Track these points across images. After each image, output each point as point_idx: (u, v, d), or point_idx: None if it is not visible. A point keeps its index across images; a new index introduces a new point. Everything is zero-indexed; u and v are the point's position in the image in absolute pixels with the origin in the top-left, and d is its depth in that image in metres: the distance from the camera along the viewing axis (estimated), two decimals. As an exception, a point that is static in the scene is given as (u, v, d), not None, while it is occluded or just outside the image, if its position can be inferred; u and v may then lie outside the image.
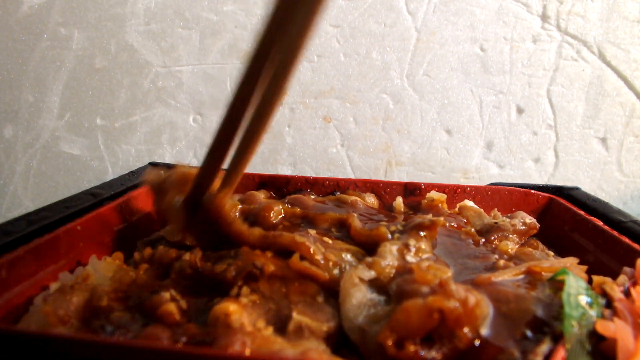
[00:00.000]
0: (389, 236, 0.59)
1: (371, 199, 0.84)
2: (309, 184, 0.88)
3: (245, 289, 0.50)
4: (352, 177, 1.20)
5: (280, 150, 1.20)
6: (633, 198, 1.19)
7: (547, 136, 1.17)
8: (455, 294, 0.42)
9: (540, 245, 0.69)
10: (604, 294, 0.48)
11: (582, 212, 0.76)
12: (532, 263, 0.55)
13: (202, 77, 1.18)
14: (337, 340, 0.46)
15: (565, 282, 0.48)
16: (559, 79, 1.15)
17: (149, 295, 0.50)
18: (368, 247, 0.58)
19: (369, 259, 0.52)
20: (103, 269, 0.58)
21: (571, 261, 0.57)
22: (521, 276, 0.53)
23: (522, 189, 0.86)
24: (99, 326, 0.46)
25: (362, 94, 1.17)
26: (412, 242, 0.56)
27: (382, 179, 1.18)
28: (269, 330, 0.45)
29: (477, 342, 0.42)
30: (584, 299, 0.46)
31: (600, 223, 0.71)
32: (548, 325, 0.44)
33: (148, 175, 0.65)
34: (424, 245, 0.57)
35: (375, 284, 0.49)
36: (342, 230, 0.63)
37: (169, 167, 0.91)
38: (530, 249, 0.65)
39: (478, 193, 0.87)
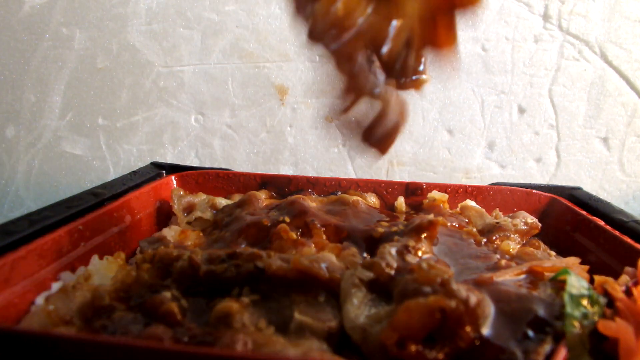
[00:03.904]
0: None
1: (373, 199, 0.84)
2: (311, 183, 0.88)
3: (246, 289, 0.50)
4: (354, 176, 1.20)
5: (282, 150, 1.21)
6: (635, 198, 1.19)
7: (549, 136, 1.17)
8: (457, 293, 0.42)
9: (542, 245, 0.69)
10: (606, 294, 0.48)
11: (583, 212, 0.76)
12: (533, 263, 0.55)
13: (203, 77, 1.18)
14: (339, 340, 0.46)
15: (566, 282, 0.48)
16: (561, 78, 1.15)
17: (150, 294, 0.50)
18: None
19: (368, 260, 0.52)
20: (105, 269, 0.58)
21: (573, 261, 0.57)
22: (523, 276, 0.53)
23: (523, 189, 0.86)
24: (101, 326, 0.46)
25: (364, 93, 1.17)
26: (412, 242, 0.56)
27: (384, 178, 1.18)
28: (271, 330, 0.45)
29: (478, 342, 0.42)
30: (585, 299, 0.46)
31: (602, 223, 0.71)
32: (550, 325, 0.44)
33: None
34: (424, 245, 0.57)
35: (376, 284, 0.49)
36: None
37: (172, 167, 0.91)
38: (531, 249, 0.65)
39: (480, 193, 0.87)
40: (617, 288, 0.49)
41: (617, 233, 0.66)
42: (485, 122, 1.17)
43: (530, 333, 0.43)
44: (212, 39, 1.17)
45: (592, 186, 1.18)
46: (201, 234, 0.71)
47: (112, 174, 1.22)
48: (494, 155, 1.19)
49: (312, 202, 0.76)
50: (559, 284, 0.49)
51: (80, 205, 0.66)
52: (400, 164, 1.20)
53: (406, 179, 1.20)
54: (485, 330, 0.43)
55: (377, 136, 0.52)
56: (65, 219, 0.61)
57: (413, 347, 0.40)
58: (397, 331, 0.41)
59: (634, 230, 0.67)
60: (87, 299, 0.49)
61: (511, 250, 0.64)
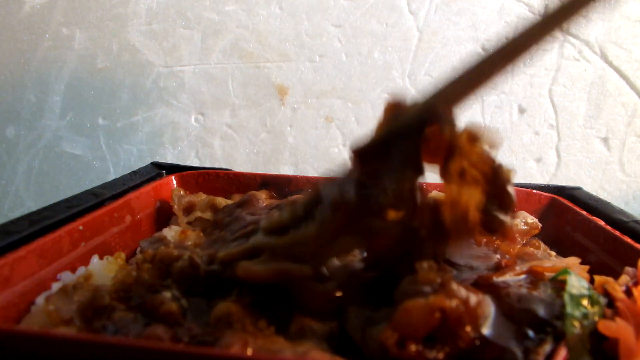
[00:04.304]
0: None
1: (373, 199, 0.84)
2: (311, 183, 0.88)
3: (246, 289, 0.50)
4: (354, 177, 1.20)
5: (282, 150, 1.21)
6: (635, 198, 1.19)
7: (549, 136, 1.17)
8: (457, 293, 0.42)
9: (542, 245, 0.69)
10: (606, 294, 0.48)
11: (584, 212, 0.76)
12: (534, 263, 0.55)
13: (203, 77, 1.18)
14: (339, 340, 0.46)
15: (567, 282, 0.47)
16: (561, 78, 1.15)
17: (150, 295, 0.50)
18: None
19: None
20: (105, 269, 0.58)
21: (573, 261, 0.57)
22: (523, 276, 0.53)
23: (524, 189, 0.86)
24: (101, 326, 0.46)
25: (364, 93, 1.17)
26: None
27: (384, 178, 1.18)
28: (271, 330, 0.45)
29: (478, 342, 0.42)
30: (585, 299, 0.46)
31: (602, 223, 0.71)
32: (550, 325, 0.44)
33: None
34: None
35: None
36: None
37: (172, 167, 0.91)
38: (532, 249, 0.65)
39: (480, 193, 0.87)
40: (617, 288, 0.49)
41: (617, 233, 0.66)
42: (485, 122, 1.17)
43: (531, 333, 0.43)
44: (213, 39, 1.17)
45: (592, 186, 1.18)
46: (201, 234, 0.71)
47: (113, 174, 1.22)
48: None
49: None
50: (559, 284, 0.49)
51: (81, 205, 0.66)
52: (401, 164, 1.20)
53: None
54: (486, 330, 0.43)
55: None
56: (66, 219, 0.61)
57: (413, 347, 0.40)
58: (397, 331, 0.41)
59: (634, 230, 0.67)
60: (87, 299, 0.49)
61: (511, 250, 0.64)
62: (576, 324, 0.44)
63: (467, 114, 1.16)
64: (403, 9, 1.14)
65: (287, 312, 0.47)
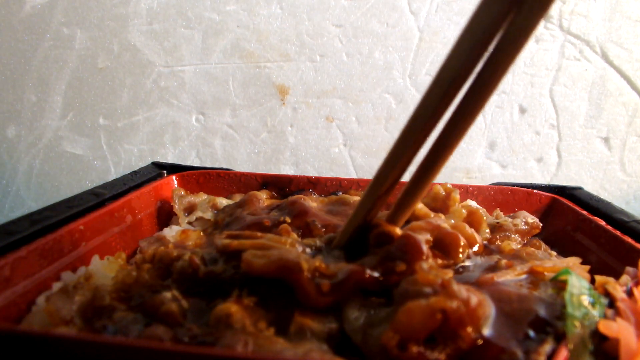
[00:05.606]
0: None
1: (373, 199, 0.84)
2: (312, 183, 0.88)
3: (246, 290, 0.50)
4: (355, 176, 1.20)
5: (283, 150, 1.21)
6: (636, 198, 1.19)
7: (550, 136, 1.17)
8: (458, 294, 0.42)
9: (543, 245, 0.69)
10: (607, 294, 0.48)
11: (584, 212, 0.76)
12: (534, 263, 0.54)
13: (204, 77, 1.18)
14: (339, 341, 0.46)
15: (567, 282, 0.47)
16: (562, 78, 1.15)
17: (151, 295, 0.50)
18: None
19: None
20: (105, 269, 0.58)
21: (574, 261, 0.57)
22: (524, 276, 0.53)
23: (524, 189, 0.86)
24: (102, 326, 0.46)
25: (365, 93, 1.17)
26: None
27: (385, 178, 1.18)
28: (271, 331, 0.45)
29: (479, 342, 0.42)
30: (586, 299, 0.46)
31: (602, 223, 0.71)
32: (551, 325, 0.44)
33: None
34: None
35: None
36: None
37: (173, 167, 0.91)
38: (532, 249, 0.65)
39: (481, 193, 0.87)
40: (618, 288, 0.49)
41: (618, 233, 0.66)
42: (486, 122, 1.17)
43: (531, 333, 0.43)
44: (213, 39, 1.17)
45: (593, 186, 1.18)
46: (202, 234, 0.71)
47: (113, 174, 1.22)
48: (495, 155, 1.18)
49: (312, 202, 0.76)
50: (560, 284, 0.49)
51: (81, 205, 0.66)
52: (401, 163, 1.20)
53: (407, 178, 1.19)
54: (486, 331, 0.43)
55: None
56: (66, 218, 0.61)
57: (414, 349, 0.40)
58: (398, 332, 0.41)
59: (634, 230, 0.67)
60: (87, 298, 0.49)
61: (512, 250, 0.64)
62: (577, 324, 0.44)
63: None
64: (404, 8, 1.14)
65: (287, 313, 0.47)
